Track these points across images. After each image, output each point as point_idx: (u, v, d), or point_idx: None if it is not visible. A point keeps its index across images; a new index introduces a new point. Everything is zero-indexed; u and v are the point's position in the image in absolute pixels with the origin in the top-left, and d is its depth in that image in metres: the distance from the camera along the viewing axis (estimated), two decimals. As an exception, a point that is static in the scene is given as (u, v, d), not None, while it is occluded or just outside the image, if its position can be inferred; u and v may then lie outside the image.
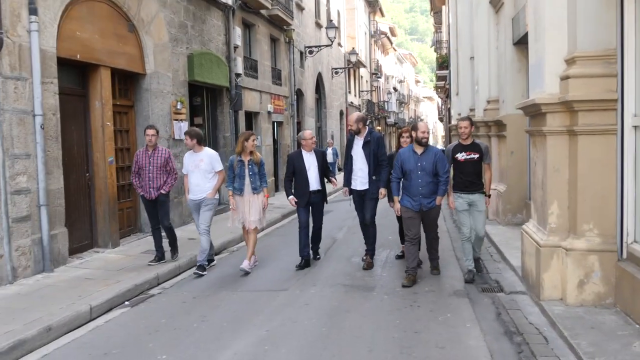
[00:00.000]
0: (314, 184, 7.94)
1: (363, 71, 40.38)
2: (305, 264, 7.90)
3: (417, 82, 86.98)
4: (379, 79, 47.46)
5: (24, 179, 7.22)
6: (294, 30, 20.26)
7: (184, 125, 11.55)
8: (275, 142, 19.19)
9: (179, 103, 11.41)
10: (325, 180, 8.24)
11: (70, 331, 5.58)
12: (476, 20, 12.52)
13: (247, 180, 7.69)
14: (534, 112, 5.98)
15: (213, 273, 7.86)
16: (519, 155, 10.03)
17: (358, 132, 7.76)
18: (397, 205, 7.07)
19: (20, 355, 4.98)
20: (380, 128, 48.42)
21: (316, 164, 7.98)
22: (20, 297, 6.41)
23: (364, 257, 7.95)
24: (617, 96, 5.25)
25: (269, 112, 17.86)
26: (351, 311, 5.91)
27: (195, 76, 12.07)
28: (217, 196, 7.96)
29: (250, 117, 16.72)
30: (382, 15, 51.14)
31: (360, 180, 7.73)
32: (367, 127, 7.89)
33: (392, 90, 54.65)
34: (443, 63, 30.47)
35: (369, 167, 7.65)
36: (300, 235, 7.92)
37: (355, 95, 36.93)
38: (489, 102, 11.59)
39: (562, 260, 5.64)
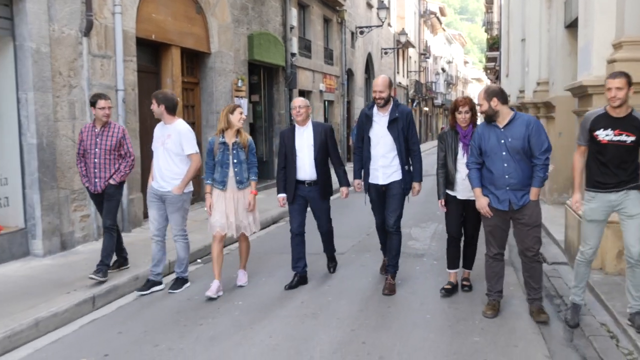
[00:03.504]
0: (306, 171, 5.95)
1: (412, 51, 40.42)
2: (299, 281, 6.03)
3: (466, 63, 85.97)
4: (427, 60, 47.35)
5: (107, 148, 7.97)
6: (346, 10, 20.70)
7: (244, 102, 12.25)
8: (326, 120, 19.77)
9: (239, 81, 12.10)
10: (333, 168, 6.19)
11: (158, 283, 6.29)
12: (528, 2, 12.75)
13: (231, 170, 5.75)
14: (581, 93, 6.38)
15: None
16: (566, 136, 10.33)
17: (386, 103, 5.73)
18: (483, 202, 4.95)
19: (115, 298, 5.76)
20: (427, 109, 48.40)
21: (311, 143, 5.94)
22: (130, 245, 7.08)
23: (385, 275, 6.06)
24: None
25: (320, 91, 18.43)
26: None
27: (255, 55, 12.72)
28: (189, 188, 5.95)
29: (303, 95, 17.31)
30: (432, -6, 50.78)
31: (383, 171, 5.78)
32: (393, 99, 5.85)
33: (440, 71, 54.42)
34: (494, 44, 30.37)
35: (399, 154, 5.73)
36: (291, 245, 6.13)
37: (403, 76, 37.09)
38: (538, 84, 11.87)
39: (602, 232, 5.98)
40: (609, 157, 4.50)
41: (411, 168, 5.85)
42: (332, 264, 6.58)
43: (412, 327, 4.82)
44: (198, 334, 4.75)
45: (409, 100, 39.52)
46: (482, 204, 4.95)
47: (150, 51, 9.63)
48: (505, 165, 4.81)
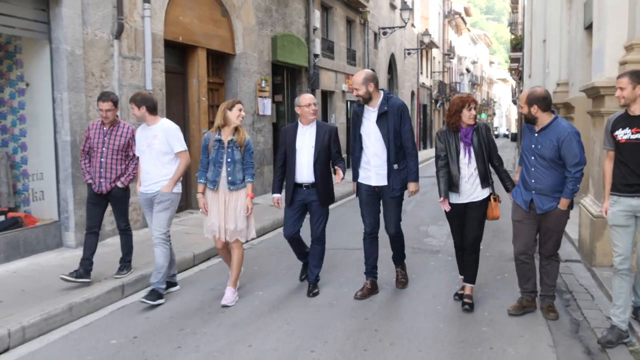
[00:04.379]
0: (304, 172, 5.60)
1: (435, 52, 40.42)
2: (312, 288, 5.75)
3: (491, 63, 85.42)
4: (451, 60, 47.26)
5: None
6: (369, 12, 20.91)
7: (267, 102, 12.56)
8: (348, 120, 20.00)
9: (263, 81, 12.41)
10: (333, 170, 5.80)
11: (180, 272, 6.61)
12: (549, 3, 12.85)
13: (223, 169, 5.39)
14: (594, 94, 6.54)
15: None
16: (584, 136, 10.40)
17: (368, 100, 5.34)
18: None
19: (142, 287, 6.07)
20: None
21: (313, 144, 5.56)
22: (136, 244, 7.49)
23: (397, 270, 5.99)
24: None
25: (343, 92, 18.69)
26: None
27: (278, 56, 13.02)
28: (178, 189, 5.68)
29: (326, 95, 17.59)
30: (457, -5, 50.66)
31: (377, 171, 5.42)
32: (382, 92, 5.40)
33: (464, 72, 54.24)
34: (517, 45, 30.31)
35: (387, 151, 5.34)
36: (291, 247, 6.01)
37: (427, 76, 37.14)
38: (558, 84, 11.97)
39: (613, 230, 6.13)
40: (628, 156, 4.37)
41: (401, 167, 5.41)
42: (312, 287, 5.74)
43: (423, 317, 5.05)
44: (220, 320, 5.05)
45: (433, 101, 39.55)
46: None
47: (177, 53, 9.99)
48: (533, 169, 4.82)
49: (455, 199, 5.19)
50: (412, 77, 31.89)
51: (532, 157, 4.83)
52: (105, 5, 7.73)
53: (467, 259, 5.35)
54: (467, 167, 5.11)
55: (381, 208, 5.64)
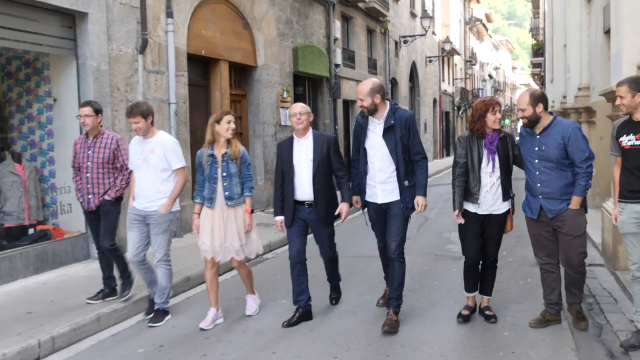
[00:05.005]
0: (304, 190, 5.16)
1: (457, 59, 40.32)
2: (301, 316, 5.25)
3: (514, 68, 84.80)
4: (473, 67, 47.07)
5: (161, 158, 8.54)
6: (389, 21, 21.01)
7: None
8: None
9: (285, 92, 12.57)
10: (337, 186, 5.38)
11: (202, 283, 6.73)
12: (569, 8, 12.82)
13: (219, 184, 5.11)
14: (613, 98, 6.51)
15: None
16: (607, 140, 10.34)
17: (374, 111, 4.96)
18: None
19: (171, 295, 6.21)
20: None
21: (311, 158, 5.13)
22: (179, 248, 7.61)
23: (386, 308, 5.16)
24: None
25: (364, 100, 18.75)
26: (440, 274, 6.69)
27: (299, 67, 13.18)
28: (176, 207, 5.41)
29: (347, 105, 17.70)
30: (478, 1, 50.52)
31: (382, 187, 5.03)
32: (388, 103, 5.03)
33: (487, 78, 53.98)
34: (538, 50, 30.15)
35: (397, 166, 4.95)
36: (291, 276, 5.35)
37: (448, 83, 37.06)
38: (579, 89, 11.91)
39: (636, 234, 6.11)
40: (633, 162, 4.31)
41: (412, 183, 5.01)
42: (335, 294, 5.79)
43: (445, 323, 5.09)
44: (245, 328, 5.14)
45: (455, 108, 39.42)
46: None
47: (200, 66, 10.19)
48: (538, 173, 4.68)
49: (473, 208, 4.92)
50: (434, 84, 31.86)
51: (536, 161, 4.68)
52: (130, 21, 7.95)
53: (487, 272, 5.17)
54: (490, 176, 4.84)
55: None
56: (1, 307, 5.59)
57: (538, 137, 4.69)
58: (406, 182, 4.98)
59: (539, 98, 4.68)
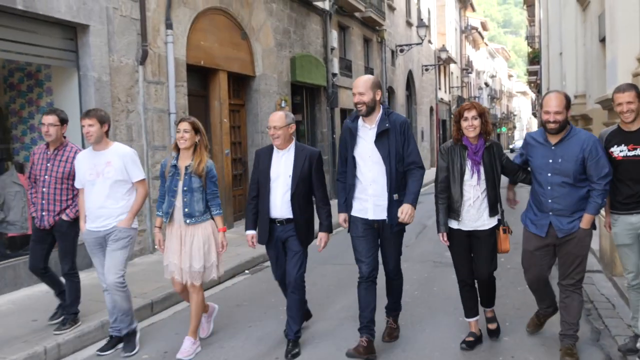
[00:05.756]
0: (277, 206, 4.66)
1: (453, 67, 40.54)
2: (293, 345, 4.74)
3: (510, 76, 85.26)
4: (469, 75, 47.32)
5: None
6: (385, 30, 21.17)
7: (287, 122, 12.79)
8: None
9: (283, 101, 12.67)
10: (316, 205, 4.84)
11: (206, 289, 6.77)
12: (564, 17, 12.96)
13: (178, 199, 4.61)
14: (608, 106, 6.61)
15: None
16: (604, 147, 10.48)
17: (371, 111, 4.42)
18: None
19: (171, 304, 6.26)
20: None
21: (290, 173, 4.64)
22: (161, 263, 7.71)
23: (386, 316, 4.99)
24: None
25: (362, 109, 18.88)
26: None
27: (297, 77, 13.28)
28: (136, 224, 4.89)
29: (345, 113, 17.78)
30: (473, 10, 50.86)
31: (375, 201, 4.49)
32: (382, 106, 4.52)
33: (483, 86, 54.25)
34: (534, 58, 30.33)
35: (388, 178, 4.42)
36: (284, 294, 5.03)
37: (445, 92, 37.24)
38: (576, 97, 12.02)
39: (633, 239, 6.18)
40: (625, 174, 4.16)
41: (402, 197, 4.47)
42: (292, 347, 4.71)
43: (446, 328, 5.16)
44: (247, 334, 5.21)
45: (452, 116, 39.55)
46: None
47: (199, 76, 10.27)
48: (549, 188, 4.23)
49: (456, 225, 4.51)
50: (431, 92, 32.02)
51: (549, 174, 4.22)
52: (130, 32, 8.04)
53: (484, 289, 4.75)
54: (474, 189, 4.42)
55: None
56: (6, 316, 5.66)
57: (553, 148, 4.22)
58: (395, 196, 4.42)
59: (569, 103, 4.24)
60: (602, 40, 10.23)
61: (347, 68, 17.67)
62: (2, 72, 7.65)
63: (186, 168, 4.61)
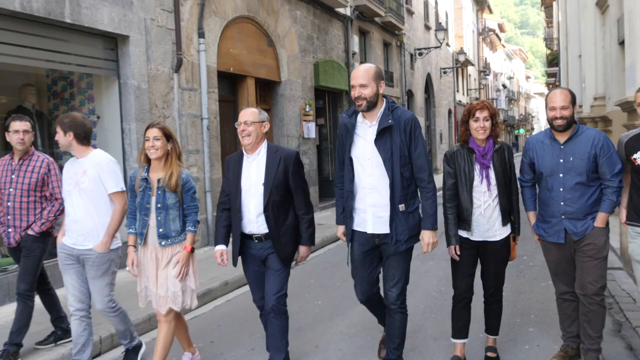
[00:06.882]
0: (251, 220, 4.01)
1: (471, 69, 40.66)
2: None
3: (528, 78, 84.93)
4: (487, 77, 47.37)
5: (195, 170, 9.02)
6: (404, 34, 21.46)
7: (312, 126, 13.15)
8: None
9: (307, 106, 13.01)
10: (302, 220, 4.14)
11: (240, 287, 7.12)
12: (583, 20, 13.17)
13: (152, 218, 4.03)
14: (628, 108, 6.87)
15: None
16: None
17: (373, 105, 3.77)
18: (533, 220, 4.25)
19: (209, 300, 6.62)
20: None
21: (262, 181, 3.97)
22: (198, 262, 8.05)
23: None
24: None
25: (382, 112, 19.17)
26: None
27: (320, 82, 13.63)
28: (117, 244, 4.25)
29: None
30: (490, 12, 50.90)
31: (375, 213, 3.85)
32: (385, 100, 3.87)
33: (500, 88, 54.22)
34: (553, 60, 30.39)
35: (390, 183, 3.78)
36: (262, 323, 4.39)
37: (463, 94, 37.38)
38: (595, 99, 12.22)
39: (653, 236, 6.36)
40: None
41: (410, 209, 3.85)
42: None
43: (472, 319, 5.41)
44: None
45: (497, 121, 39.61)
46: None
47: (228, 82, 10.66)
48: (562, 189, 3.98)
49: (465, 234, 4.11)
50: (449, 95, 32.20)
51: (561, 175, 3.98)
52: (166, 42, 8.44)
53: (490, 309, 4.37)
54: (484, 195, 4.04)
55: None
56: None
57: (562, 147, 4.01)
58: (401, 207, 3.78)
59: (574, 99, 4.03)
60: (621, 43, 10.44)
61: (367, 72, 17.97)
62: (46, 81, 8.07)
63: (158, 181, 4.03)
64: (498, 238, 4.08)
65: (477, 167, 4.04)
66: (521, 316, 5.50)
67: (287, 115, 12.22)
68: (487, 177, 4.02)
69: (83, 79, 7.99)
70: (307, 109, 13.06)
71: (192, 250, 4.13)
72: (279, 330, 4.13)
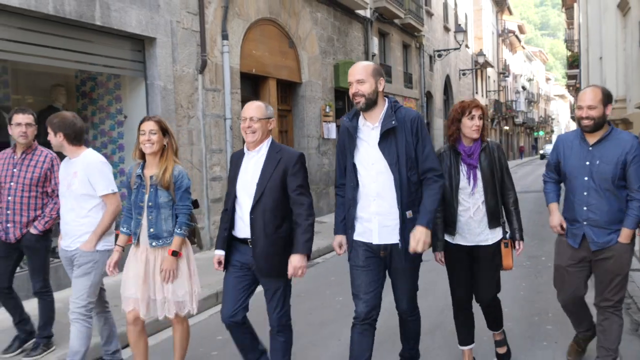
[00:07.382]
0: (244, 221, 3.67)
1: (490, 71, 40.55)
2: None
3: (548, 79, 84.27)
4: (506, 78, 47.18)
5: (217, 169, 9.21)
6: (424, 36, 21.53)
7: (332, 126, 13.29)
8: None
9: (327, 107, 13.17)
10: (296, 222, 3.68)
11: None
12: (604, 22, 13.18)
13: (144, 217, 3.85)
14: (648, 110, 6.92)
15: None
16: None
17: (372, 104, 3.47)
18: (556, 220, 3.99)
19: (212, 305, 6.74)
20: (508, 128, 48.04)
21: (256, 180, 3.64)
22: (206, 266, 8.10)
23: None
24: None
25: (401, 114, 19.27)
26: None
27: (340, 83, 13.78)
28: (106, 245, 4.09)
29: (385, 118, 18.22)
30: (510, 13, 50.67)
31: (381, 222, 3.54)
32: (387, 99, 3.57)
33: (520, 90, 53.92)
34: (574, 62, 30.20)
35: (397, 189, 3.47)
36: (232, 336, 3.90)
37: (482, 96, 37.29)
38: (616, 101, 12.19)
39: (672, 238, 6.40)
40: None
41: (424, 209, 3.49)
42: None
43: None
44: (310, 320, 5.68)
45: (489, 120, 39.58)
46: (555, 221, 3.97)
47: (250, 83, 10.86)
48: (586, 194, 3.77)
49: (455, 240, 3.92)
50: (468, 97, 32.15)
51: (586, 178, 3.76)
52: (191, 44, 8.65)
53: (489, 313, 4.24)
54: (470, 198, 3.84)
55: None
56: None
57: (591, 148, 3.78)
58: (409, 213, 3.49)
59: (609, 98, 3.76)
60: (643, 46, 10.47)
61: (387, 74, 18.09)
62: (75, 82, 8.32)
63: (151, 178, 3.84)
64: (489, 242, 3.89)
65: (463, 168, 3.87)
66: (539, 315, 5.59)
67: (307, 116, 12.39)
68: (474, 178, 3.84)
69: (111, 80, 8.22)
70: (327, 110, 13.21)
71: (175, 253, 3.83)
72: (282, 347, 3.91)
